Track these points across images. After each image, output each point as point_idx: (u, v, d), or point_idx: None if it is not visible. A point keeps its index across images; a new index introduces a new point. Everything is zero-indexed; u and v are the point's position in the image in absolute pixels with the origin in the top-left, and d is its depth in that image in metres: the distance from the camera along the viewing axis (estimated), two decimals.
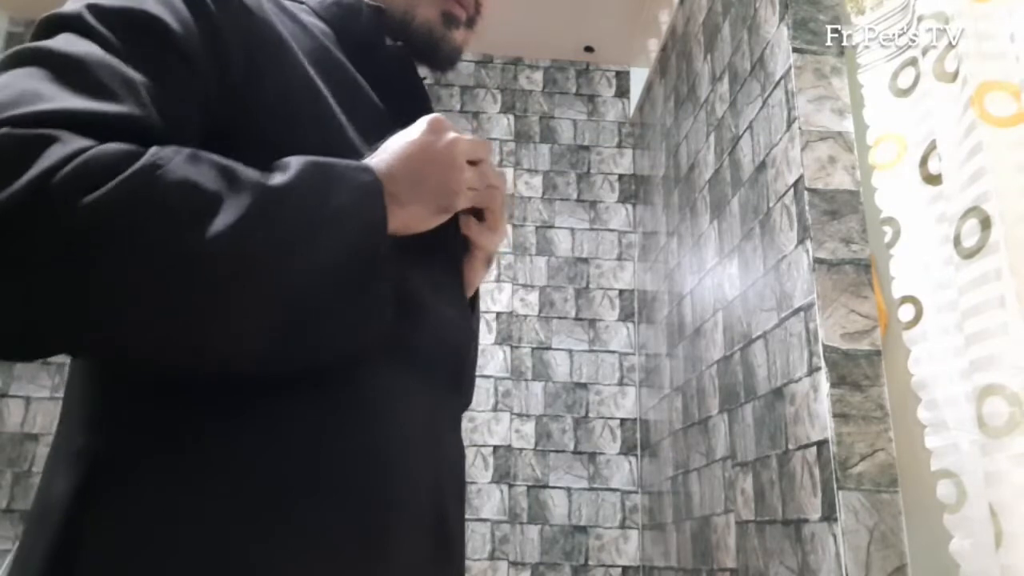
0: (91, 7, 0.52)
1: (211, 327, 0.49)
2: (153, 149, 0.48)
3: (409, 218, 0.59)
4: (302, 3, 0.72)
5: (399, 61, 0.72)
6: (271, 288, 0.50)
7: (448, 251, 0.70)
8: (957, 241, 0.97)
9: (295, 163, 0.54)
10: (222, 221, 0.48)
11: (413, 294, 0.63)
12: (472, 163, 0.64)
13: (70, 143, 0.45)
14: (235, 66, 0.56)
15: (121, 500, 0.51)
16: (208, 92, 0.55)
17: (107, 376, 0.56)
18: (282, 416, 0.54)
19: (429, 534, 0.61)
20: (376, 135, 0.63)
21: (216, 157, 0.51)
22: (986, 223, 0.92)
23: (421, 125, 0.62)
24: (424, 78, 0.78)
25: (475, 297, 0.78)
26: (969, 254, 0.94)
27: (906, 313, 1.14)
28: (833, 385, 1.22)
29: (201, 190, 0.48)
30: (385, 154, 0.60)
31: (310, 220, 0.52)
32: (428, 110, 0.71)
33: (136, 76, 0.50)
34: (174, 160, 0.48)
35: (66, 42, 0.50)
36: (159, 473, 0.51)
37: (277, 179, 0.52)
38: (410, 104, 0.70)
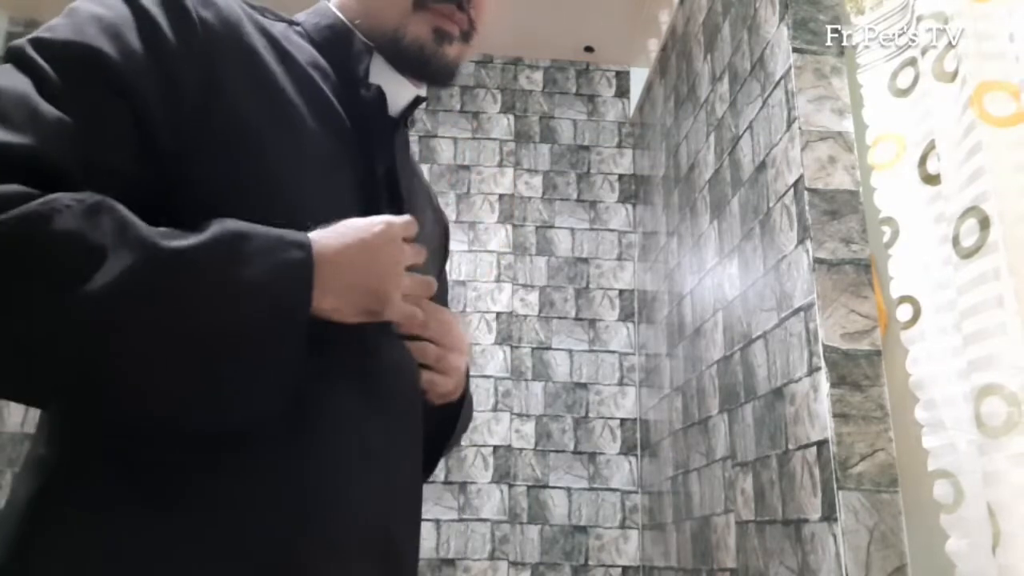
0: (35, 41, 0.54)
1: (80, 386, 0.49)
2: (52, 196, 0.48)
3: (332, 310, 0.57)
4: (296, 24, 0.72)
5: (373, 104, 0.71)
6: (145, 352, 0.49)
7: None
8: (956, 241, 0.97)
9: (213, 228, 0.53)
10: (101, 279, 0.47)
11: (366, 328, 0.62)
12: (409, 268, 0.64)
13: None
14: (192, 90, 0.57)
15: (71, 507, 0.53)
16: (154, 121, 0.55)
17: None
18: (226, 435, 0.55)
19: (376, 558, 0.61)
20: (348, 160, 0.64)
21: (121, 212, 0.50)
22: (985, 223, 0.92)
23: (375, 225, 0.60)
24: (426, 98, 0.78)
25: (465, 390, 0.79)
26: (968, 254, 0.94)
27: (904, 313, 1.14)
28: (833, 385, 1.22)
29: (86, 244, 0.48)
30: (332, 235, 0.58)
31: (208, 289, 0.51)
32: (387, 153, 0.71)
33: (52, 113, 0.51)
34: (68, 210, 0.48)
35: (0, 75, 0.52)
36: (106, 482, 0.53)
37: (181, 242, 0.51)
38: (377, 143, 0.70)
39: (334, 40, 0.72)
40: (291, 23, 0.72)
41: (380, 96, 0.71)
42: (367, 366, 0.63)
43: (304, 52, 0.69)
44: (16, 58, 0.53)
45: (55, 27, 0.55)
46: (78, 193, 0.50)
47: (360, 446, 0.61)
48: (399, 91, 0.73)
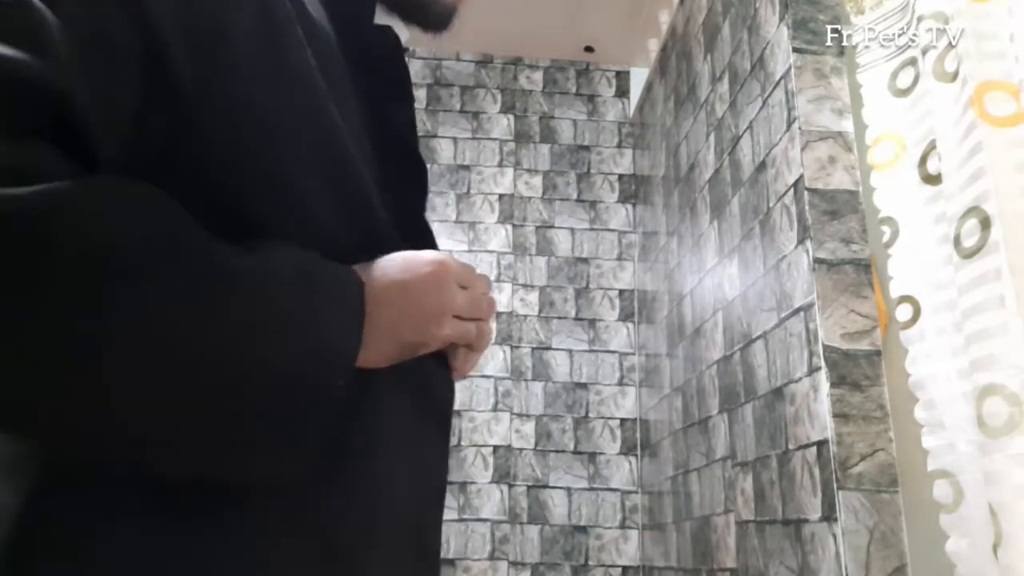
0: None
1: (93, 414, 0.40)
2: (93, 179, 0.40)
3: (370, 355, 0.52)
4: None
5: (386, 45, 0.67)
6: (188, 378, 0.42)
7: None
8: (957, 241, 0.97)
9: (268, 254, 0.47)
10: (143, 289, 0.40)
11: None
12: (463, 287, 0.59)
13: None
14: (204, 23, 0.48)
15: (69, 504, 0.45)
16: (166, 48, 0.45)
17: None
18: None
19: (413, 557, 0.60)
20: (342, 101, 0.57)
21: (173, 211, 0.43)
22: (986, 223, 0.92)
23: (429, 265, 0.55)
24: (409, 50, 0.74)
25: None
26: (969, 254, 0.94)
27: (904, 313, 1.13)
28: (833, 385, 1.22)
29: (129, 245, 0.40)
30: (380, 273, 0.53)
31: (264, 315, 0.45)
32: (409, 96, 0.69)
33: (57, 30, 0.40)
34: (112, 200, 0.40)
35: None
36: (110, 487, 0.46)
37: (236, 260, 0.44)
38: (392, 87, 0.67)
39: None
40: None
41: (395, 38, 0.67)
42: (409, 368, 0.59)
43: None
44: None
45: None
46: (126, 179, 0.42)
47: (404, 446, 0.59)
48: (400, 33, 0.71)
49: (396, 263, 0.55)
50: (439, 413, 0.66)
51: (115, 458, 0.44)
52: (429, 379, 0.63)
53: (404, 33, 0.73)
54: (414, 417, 0.61)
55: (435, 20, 0.70)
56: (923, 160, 1.13)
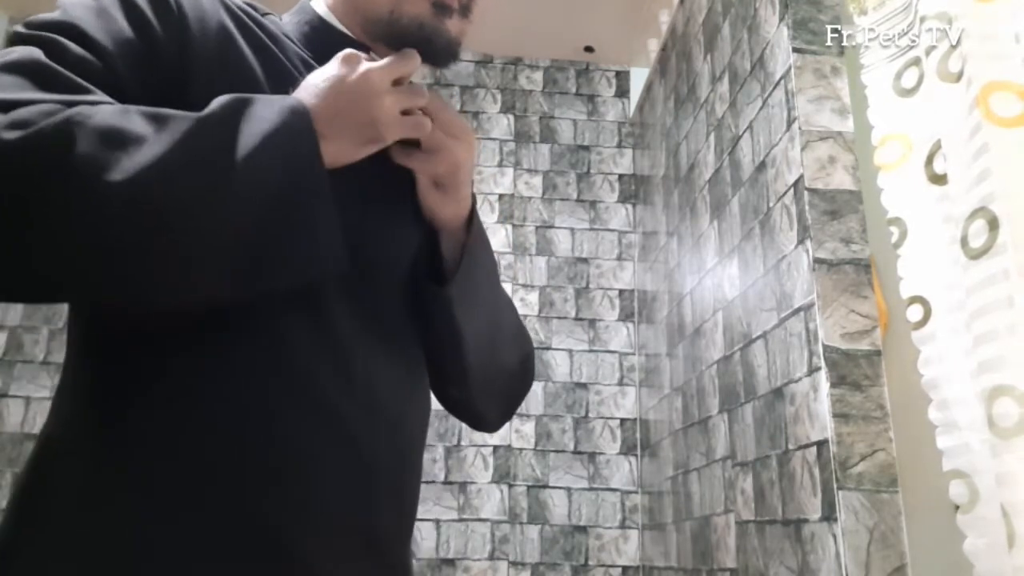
0: (29, 23, 0.58)
1: (152, 264, 0.51)
2: (79, 107, 0.51)
3: (336, 151, 0.59)
4: (279, 18, 0.74)
5: None
6: (206, 217, 0.52)
7: (386, 197, 0.70)
8: (964, 242, 0.96)
9: (217, 100, 0.55)
10: (144, 157, 0.50)
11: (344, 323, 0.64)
12: (398, 82, 0.63)
13: None
14: (171, 72, 0.60)
15: (53, 483, 0.56)
16: (136, 98, 0.57)
17: (70, 361, 0.61)
18: (191, 416, 0.57)
19: (358, 551, 0.62)
20: None
21: (147, 108, 0.53)
22: (994, 223, 0.92)
23: (334, 61, 0.62)
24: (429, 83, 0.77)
25: (471, 217, 0.75)
26: (976, 255, 0.94)
27: (914, 313, 1.13)
28: (833, 385, 1.22)
29: (124, 132, 0.50)
30: (301, 92, 0.60)
31: (239, 144, 0.53)
32: None
33: (67, 75, 0.54)
34: (100, 112, 0.51)
35: (7, 53, 0.55)
36: (86, 459, 0.56)
37: (200, 113, 0.54)
38: None
39: (313, 36, 0.73)
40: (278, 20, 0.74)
41: None
42: (348, 354, 0.63)
43: (287, 48, 0.69)
44: (20, 38, 0.56)
45: (46, 15, 0.58)
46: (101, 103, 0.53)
47: (338, 435, 0.61)
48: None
49: (310, 77, 0.62)
50: (388, 416, 0.66)
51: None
52: (376, 386, 0.65)
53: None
54: (356, 420, 0.63)
55: (441, 54, 0.71)
56: (930, 160, 1.13)
